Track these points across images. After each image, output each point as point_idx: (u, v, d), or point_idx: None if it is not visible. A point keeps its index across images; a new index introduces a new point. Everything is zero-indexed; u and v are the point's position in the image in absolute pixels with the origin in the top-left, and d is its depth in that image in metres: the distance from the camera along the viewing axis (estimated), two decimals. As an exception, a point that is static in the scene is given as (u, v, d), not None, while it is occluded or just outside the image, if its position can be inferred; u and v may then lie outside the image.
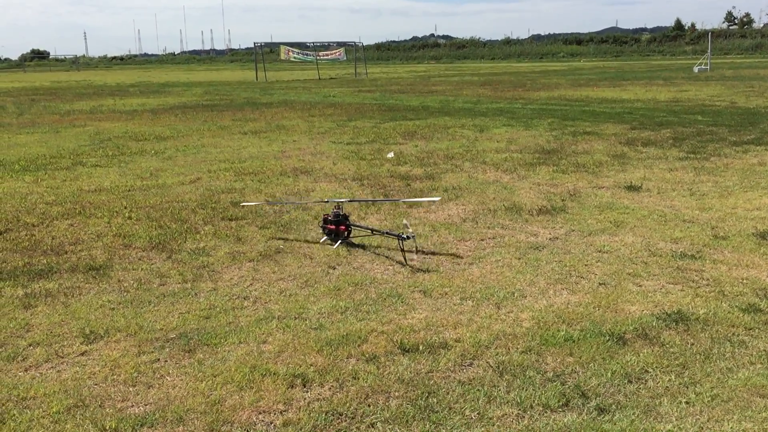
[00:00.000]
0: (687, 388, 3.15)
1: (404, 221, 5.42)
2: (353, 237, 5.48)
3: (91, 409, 3.04)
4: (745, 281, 4.48)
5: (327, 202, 6.13)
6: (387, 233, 5.31)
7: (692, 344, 3.57)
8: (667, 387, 3.15)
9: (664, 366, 3.34)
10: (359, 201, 6.71)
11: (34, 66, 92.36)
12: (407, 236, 4.97)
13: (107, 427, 2.89)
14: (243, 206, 6.62)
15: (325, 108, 17.84)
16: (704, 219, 6.02)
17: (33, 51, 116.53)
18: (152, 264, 5.04)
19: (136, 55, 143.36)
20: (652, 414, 2.95)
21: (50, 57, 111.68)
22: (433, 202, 6.70)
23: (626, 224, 5.89)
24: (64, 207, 6.84)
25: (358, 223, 5.64)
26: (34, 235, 5.81)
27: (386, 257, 5.11)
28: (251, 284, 4.59)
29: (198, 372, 3.36)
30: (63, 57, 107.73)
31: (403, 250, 5.00)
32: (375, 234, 5.46)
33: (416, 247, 5.07)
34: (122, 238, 5.70)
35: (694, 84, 25.48)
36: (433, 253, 5.16)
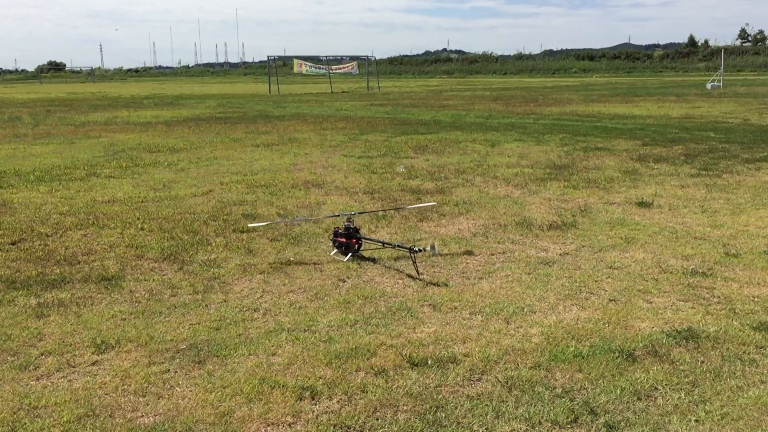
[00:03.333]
0: (697, 406, 3.13)
1: (433, 241, 5.41)
2: (363, 250, 5.50)
3: (102, 418, 3.06)
4: (756, 299, 4.46)
5: (338, 215, 6.16)
6: (399, 246, 5.32)
7: (702, 362, 3.55)
8: (676, 405, 3.14)
9: (673, 383, 3.33)
10: (367, 212, 6.74)
11: (51, 77, 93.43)
12: (419, 249, 4.98)
13: (117, 437, 2.91)
14: (251, 227, 6.31)
15: (337, 121, 17.93)
16: (716, 236, 6.00)
17: (49, 63, 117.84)
18: (164, 275, 5.07)
19: (150, 68, 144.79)
20: (662, 432, 2.94)
21: (66, 69, 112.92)
22: (431, 205, 7.11)
23: (637, 241, 5.88)
24: (77, 217, 6.91)
25: (369, 236, 5.66)
26: (48, 245, 5.87)
27: (396, 270, 5.12)
28: (261, 296, 4.61)
29: (207, 383, 3.37)
30: (79, 69, 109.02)
31: (415, 263, 5.01)
32: (386, 247, 5.47)
33: (433, 254, 5.07)
34: (134, 249, 5.74)
35: (707, 101, 25.42)
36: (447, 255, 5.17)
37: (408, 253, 5.11)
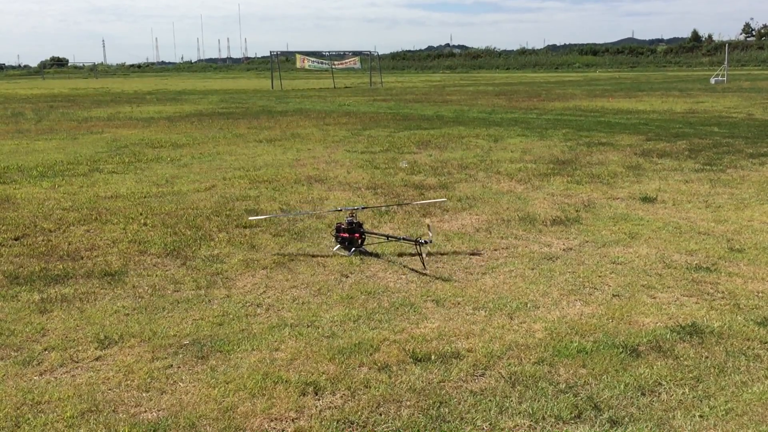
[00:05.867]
0: (701, 401, 3.12)
1: (427, 221, 5.43)
2: (367, 245, 5.49)
3: (105, 414, 3.06)
4: (760, 294, 4.44)
5: (341, 210, 6.15)
6: (404, 239, 5.31)
7: (706, 357, 3.54)
8: (680, 400, 3.13)
9: (677, 379, 3.32)
10: (371, 207, 6.73)
11: (53, 73, 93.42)
12: (425, 241, 4.97)
13: (120, 432, 2.91)
14: (251, 220, 6.31)
15: (340, 117, 17.91)
16: (720, 231, 5.98)
17: (52, 58, 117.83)
18: (167, 270, 5.07)
19: (153, 63, 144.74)
20: (666, 427, 2.93)
21: (69, 64, 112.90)
22: (442, 201, 7.09)
23: (641, 236, 5.86)
24: (80, 213, 6.91)
25: (373, 231, 5.65)
26: (51, 241, 5.87)
27: (399, 266, 5.11)
28: (264, 291, 4.61)
29: (211, 378, 3.37)
30: (81, 64, 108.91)
31: (420, 255, 5.00)
32: (391, 240, 5.46)
33: (429, 241, 5.05)
34: (137, 244, 5.74)
35: (711, 95, 25.34)
36: (453, 253, 5.16)
37: (414, 246, 5.10)
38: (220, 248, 5.61)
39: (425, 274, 4.90)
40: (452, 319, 4.09)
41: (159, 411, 3.09)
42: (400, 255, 5.37)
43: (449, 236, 5.90)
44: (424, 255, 5.01)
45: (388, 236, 5.47)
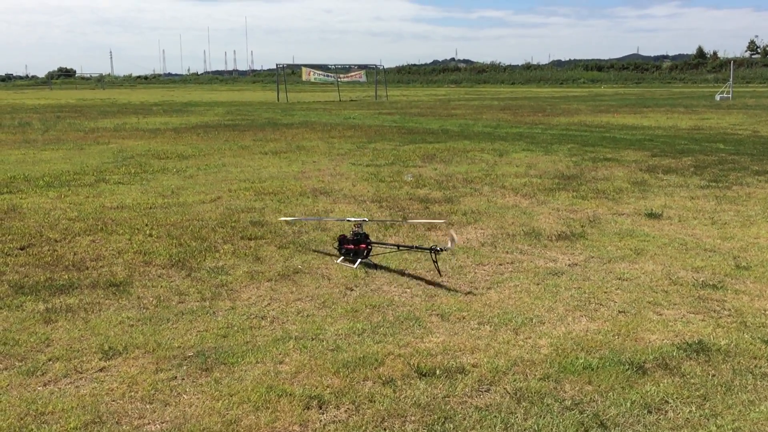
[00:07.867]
0: (708, 420, 3.10)
1: (452, 231, 5.38)
2: (373, 256, 5.48)
3: (108, 425, 3.05)
4: (767, 312, 4.42)
5: (366, 221, 6.07)
6: (417, 248, 5.29)
7: (713, 375, 3.52)
8: (687, 418, 3.11)
9: (684, 397, 3.29)
10: (375, 221, 6.73)
11: (61, 83, 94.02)
12: (441, 248, 4.97)
13: (124, 444, 2.90)
14: (281, 220, 6.82)
15: (345, 130, 17.95)
16: (726, 248, 5.96)
17: (60, 69, 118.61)
18: (171, 281, 5.07)
19: (160, 75, 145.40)
20: (672, 446, 2.90)
21: (76, 75, 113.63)
22: (441, 223, 6.78)
23: (646, 252, 5.84)
24: (86, 223, 6.92)
25: (381, 241, 5.63)
26: (57, 251, 5.88)
27: (405, 278, 5.10)
28: (269, 304, 4.60)
29: (215, 391, 3.36)
30: (89, 75, 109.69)
31: (436, 263, 4.99)
32: (402, 250, 5.43)
33: (440, 249, 5.05)
34: (143, 255, 5.74)
35: (716, 112, 25.34)
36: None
37: (429, 255, 5.10)
38: (225, 260, 5.61)
39: (437, 284, 4.88)
40: (457, 334, 4.07)
41: (162, 423, 3.07)
42: (405, 268, 5.36)
43: (454, 251, 5.89)
44: (438, 262, 5.02)
45: (399, 246, 5.44)
